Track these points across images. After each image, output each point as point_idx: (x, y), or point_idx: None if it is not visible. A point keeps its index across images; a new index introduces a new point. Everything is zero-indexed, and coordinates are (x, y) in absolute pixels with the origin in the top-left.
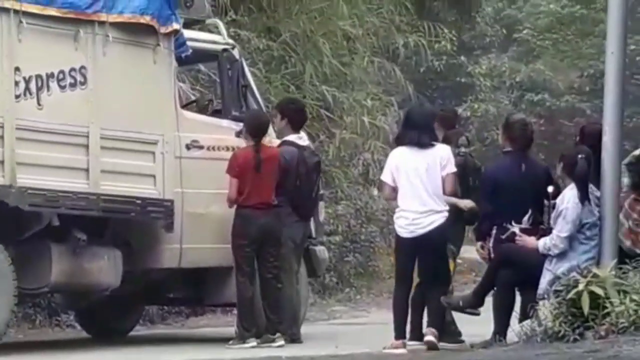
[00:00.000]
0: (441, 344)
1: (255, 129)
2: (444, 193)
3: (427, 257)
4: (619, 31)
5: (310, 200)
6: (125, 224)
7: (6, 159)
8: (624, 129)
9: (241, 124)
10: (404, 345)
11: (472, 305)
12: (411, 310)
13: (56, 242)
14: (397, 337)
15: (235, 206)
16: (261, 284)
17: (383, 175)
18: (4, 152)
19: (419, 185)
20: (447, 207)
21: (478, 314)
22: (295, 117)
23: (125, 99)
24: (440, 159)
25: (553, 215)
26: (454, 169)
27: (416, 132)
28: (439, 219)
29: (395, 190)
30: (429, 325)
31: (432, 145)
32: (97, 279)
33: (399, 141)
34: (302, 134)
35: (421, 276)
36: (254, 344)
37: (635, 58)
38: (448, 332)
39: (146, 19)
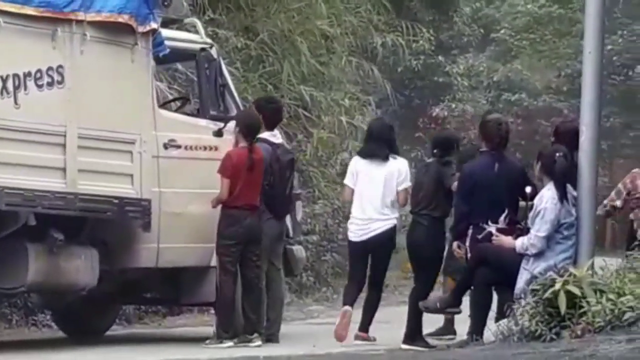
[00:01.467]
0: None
1: (248, 129)
2: (399, 205)
3: (374, 260)
4: (596, 31)
5: (284, 198)
6: (102, 224)
7: None
8: (600, 129)
9: (219, 123)
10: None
11: (450, 305)
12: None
13: (33, 242)
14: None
15: (219, 206)
16: (244, 283)
17: (346, 179)
18: None
19: (370, 195)
20: (397, 215)
21: (459, 312)
22: (271, 115)
23: (102, 98)
24: (397, 172)
25: (531, 215)
26: (409, 184)
27: (375, 145)
28: (385, 225)
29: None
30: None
31: (392, 158)
32: (74, 278)
33: (361, 153)
34: (276, 131)
35: (370, 278)
36: (231, 344)
37: (612, 58)
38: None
39: (124, 18)
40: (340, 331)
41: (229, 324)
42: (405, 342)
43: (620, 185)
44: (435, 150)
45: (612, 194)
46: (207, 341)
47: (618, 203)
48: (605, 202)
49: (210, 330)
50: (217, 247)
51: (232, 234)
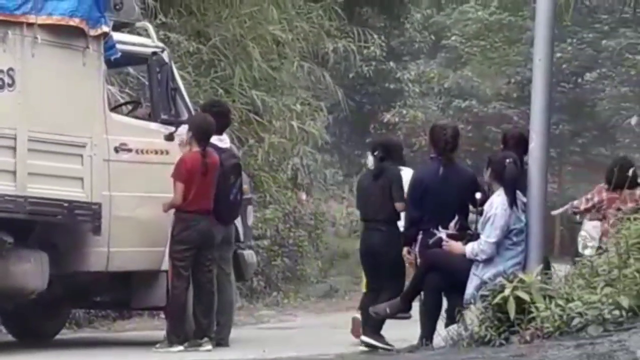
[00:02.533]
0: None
1: (202, 134)
2: None
3: None
4: (546, 39)
5: (228, 203)
6: (52, 227)
7: None
8: (550, 136)
9: (170, 127)
10: None
11: (400, 310)
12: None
13: None
14: None
15: (171, 210)
16: (196, 288)
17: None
18: None
19: None
20: None
21: (409, 317)
22: (217, 119)
23: (53, 101)
24: None
25: (481, 221)
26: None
27: None
28: None
29: None
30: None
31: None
32: (23, 282)
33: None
34: (224, 136)
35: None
36: (181, 348)
37: (561, 66)
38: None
39: (75, 21)
40: None
41: (180, 328)
42: (365, 334)
43: (588, 196)
44: (375, 152)
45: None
46: (157, 345)
47: (582, 207)
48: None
49: (161, 334)
50: (170, 251)
51: (186, 238)
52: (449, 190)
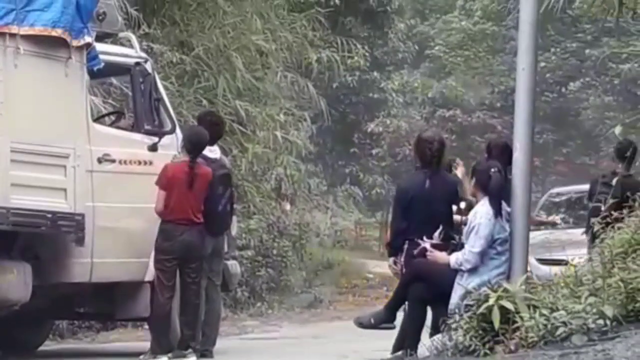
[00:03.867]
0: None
1: (193, 145)
2: None
3: None
4: (529, 48)
5: (216, 214)
6: (35, 238)
7: None
8: (534, 145)
9: (154, 138)
10: None
11: (385, 320)
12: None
13: None
14: None
15: (158, 221)
16: (181, 299)
17: None
18: None
19: None
20: None
21: (393, 327)
22: (210, 129)
23: (36, 112)
24: None
25: (465, 230)
26: None
27: None
28: None
29: None
30: None
31: None
32: (6, 293)
33: None
34: (215, 147)
35: None
36: (165, 359)
37: (545, 75)
38: None
39: (58, 32)
40: None
41: (164, 338)
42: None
43: None
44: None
45: None
46: (142, 356)
47: None
48: None
49: (145, 345)
50: (154, 260)
51: (167, 248)
52: (435, 201)
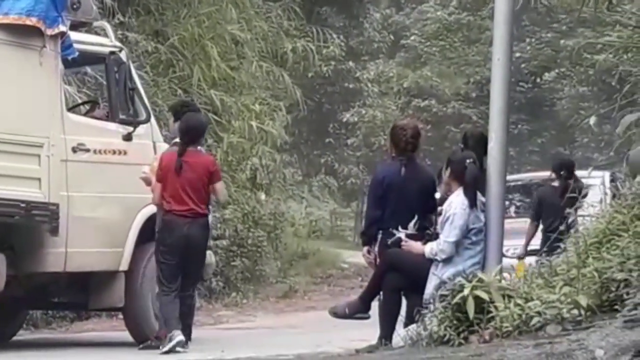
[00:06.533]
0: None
1: (183, 133)
2: None
3: None
4: (504, 38)
5: None
6: (9, 228)
7: None
8: (509, 136)
9: (129, 127)
10: None
11: (359, 310)
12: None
13: None
14: None
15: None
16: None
17: None
18: None
19: None
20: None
21: (368, 317)
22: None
23: (10, 101)
24: None
25: (440, 220)
26: None
27: None
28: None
29: None
30: None
31: None
32: None
33: None
34: None
35: None
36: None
37: (520, 65)
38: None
39: (32, 21)
40: None
41: (174, 320)
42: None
43: None
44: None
45: None
46: (162, 347)
47: None
48: None
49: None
50: (155, 252)
51: (165, 240)
52: (410, 190)
